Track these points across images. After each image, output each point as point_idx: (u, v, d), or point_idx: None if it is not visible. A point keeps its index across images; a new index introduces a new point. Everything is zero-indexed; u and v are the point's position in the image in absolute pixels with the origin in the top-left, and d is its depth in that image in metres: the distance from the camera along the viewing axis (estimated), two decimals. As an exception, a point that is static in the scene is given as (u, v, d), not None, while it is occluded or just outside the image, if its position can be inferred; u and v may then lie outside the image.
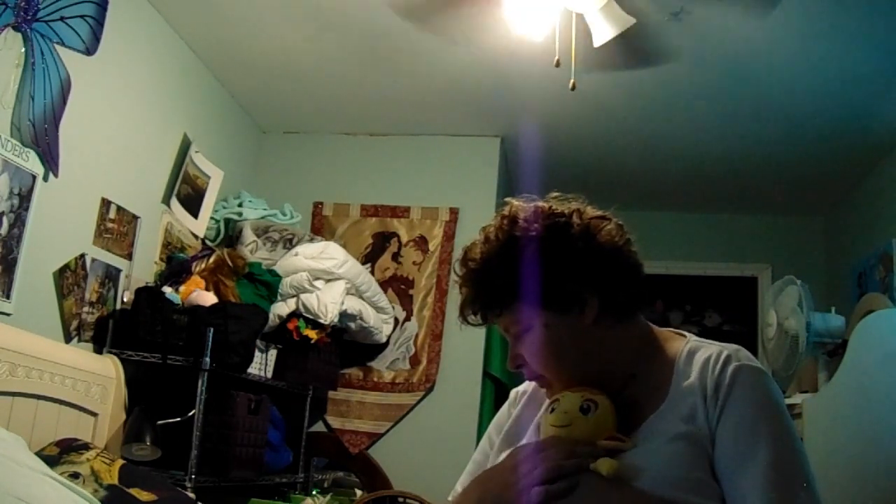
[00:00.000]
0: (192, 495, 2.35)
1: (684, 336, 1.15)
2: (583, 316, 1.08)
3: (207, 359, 2.56)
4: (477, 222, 4.12)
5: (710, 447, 1.00)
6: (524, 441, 1.15)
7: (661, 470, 0.97)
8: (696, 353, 1.09)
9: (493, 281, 1.10)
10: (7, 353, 2.01)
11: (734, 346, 1.09)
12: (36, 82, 2.26)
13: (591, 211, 1.14)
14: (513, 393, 1.30)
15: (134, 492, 1.98)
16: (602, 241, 1.10)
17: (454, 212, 3.83)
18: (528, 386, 1.26)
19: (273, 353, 3.13)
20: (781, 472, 0.96)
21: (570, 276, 1.08)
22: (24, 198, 2.27)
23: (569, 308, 1.08)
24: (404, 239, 3.84)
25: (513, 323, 1.11)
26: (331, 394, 3.65)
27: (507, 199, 1.16)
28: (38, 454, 1.99)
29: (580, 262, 1.08)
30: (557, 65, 2.53)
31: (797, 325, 3.00)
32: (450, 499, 1.26)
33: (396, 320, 3.70)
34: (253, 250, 3.30)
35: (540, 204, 1.13)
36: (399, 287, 3.79)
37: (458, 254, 3.67)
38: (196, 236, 3.29)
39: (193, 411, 2.54)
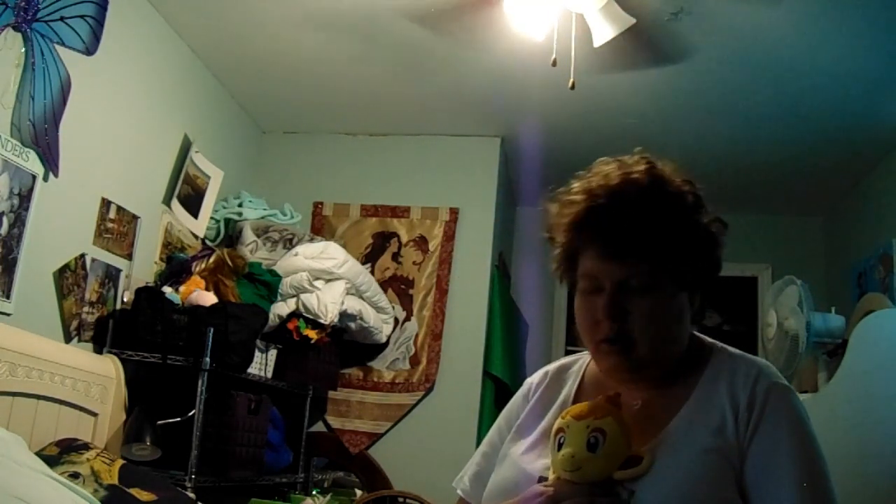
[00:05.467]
0: (192, 495, 2.35)
1: (713, 343, 1.15)
2: (692, 301, 1.09)
3: (207, 359, 2.56)
4: (477, 222, 4.11)
5: (739, 464, 0.99)
6: (532, 438, 1.14)
7: (688, 489, 0.96)
8: (726, 364, 1.09)
9: (649, 225, 1.04)
10: (7, 353, 2.01)
11: (763, 362, 1.09)
12: (36, 82, 2.26)
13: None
14: (527, 384, 1.27)
15: (134, 492, 1.98)
16: (719, 239, 1.12)
17: (454, 212, 3.82)
18: (542, 377, 1.25)
19: (273, 353, 3.13)
20: (811, 494, 0.97)
21: (709, 262, 1.10)
22: (24, 198, 2.27)
23: (694, 289, 1.09)
24: (404, 239, 3.84)
25: (643, 274, 1.04)
26: (331, 394, 3.65)
27: (641, 149, 1.12)
28: (38, 454, 1.99)
29: (710, 250, 1.10)
30: (554, 64, 2.53)
31: (797, 325, 3.00)
32: (454, 485, 1.26)
33: (396, 320, 3.70)
34: (253, 250, 3.30)
35: (683, 177, 1.11)
36: (399, 287, 3.79)
37: (460, 253, 3.71)
38: (196, 236, 3.29)
39: (193, 411, 2.54)
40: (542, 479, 1.06)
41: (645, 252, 1.04)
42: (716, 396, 1.04)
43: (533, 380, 1.27)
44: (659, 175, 1.08)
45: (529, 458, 1.11)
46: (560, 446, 1.03)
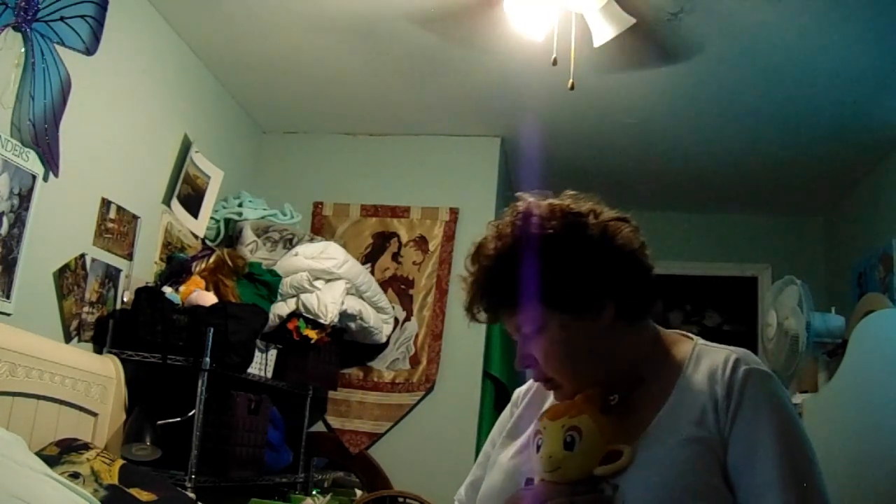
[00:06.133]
0: (192, 495, 2.35)
1: (691, 338, 1.15)
2: (599, 319, 1.07)
3: (207, 359, 2.56)
4: (477, 222, 4.11)
5: (722, 452, 0.99)
6: (520, 442, 1.15)
7: (673, 477, 0.97)
8: (705, 357, 1.09)
9: (508, 278, 1.07)
10: (7, 353, 2.01)
11: (742, 350, 1.08)
12: (36, 82, 2.26)
13: (608, 212, 1.12)
14: (515, 394, 1.29)
15: (134, 492, 1.98)
16: (620, 244, 1.08)
17: (454, 212, 3.82)
18: (530, 385, 1.26)
19: (273, 353, 3.13)
20: (794, 476, 0.97)
21: (589, 277, 1.06)
22: (24, 198, 2.27)
23: (585, 310, 1.06)
24: (404, 239, 3.84)
25: (526, 322, 1.08)
26: (331, 394, 3.65)
27: (519, 194, 1.14)
28: (38, 454, 1.99)
29: (599, 264, 1.06)
30: (555, 63, 2.53)
31: (797, 325, 3.00)
32: (455, 499, 1.27)
33: (396, 320, 3.69)
34: (253, 250, 3.30)
35: (555, 201, 1.11)
36: (399, 287, 3.79)
37: (459, 253, 3.70)
38: (196, 236, 3.29)
39: (193, 411, 2.54)
40: (529, 482, 1.06)
41: (514, 303, 1.07)
42: (696, 388, 1.05)
43: (522, 388, 1.29)
44: (521, 223, 1.09)
45: (517, 462, 1.12)
46: (539, 448, 1.04)
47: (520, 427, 1.19)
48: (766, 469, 0.96)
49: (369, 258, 3.83)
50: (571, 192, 1.14)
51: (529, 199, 1.12)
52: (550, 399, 1.19)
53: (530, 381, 1.26)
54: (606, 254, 1.07)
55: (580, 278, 1.06)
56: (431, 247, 3.81)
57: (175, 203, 3.09)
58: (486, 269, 1.10)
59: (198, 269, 2.90)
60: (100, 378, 2.44)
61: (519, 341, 1.12)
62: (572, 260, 1.06)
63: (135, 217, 2.86)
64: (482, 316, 1.13)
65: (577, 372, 1.09)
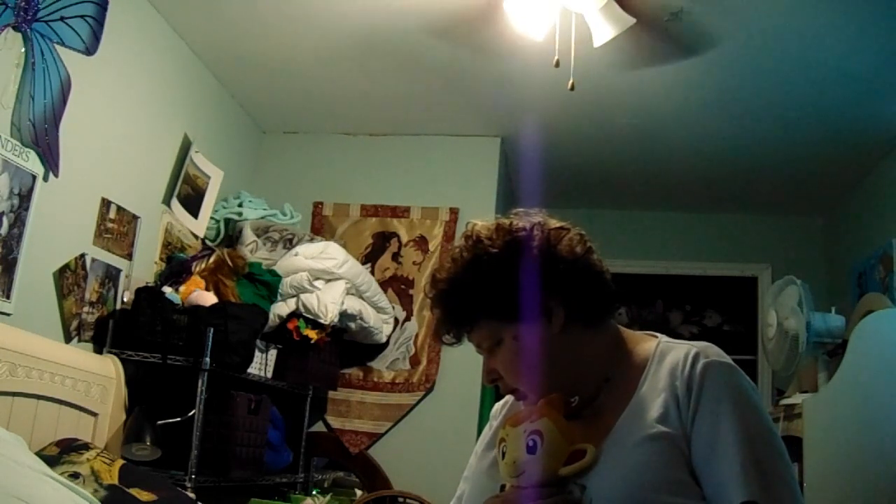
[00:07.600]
0: (192, 495, 2.35)
1: (656, 337, 1.17)
2: (550, 325, 1.10)
3: (207, 359, 2.56)
4: (477, 222, 4.01)
5: (687, 447, 1.00)
6: (495, 451, 1.16)
7: (639, 473, 0.98)
8: (667, 354, 1.10)
9: (460, 299, 1.13)
10: (7, 353, 2.01)
11: (704, 344, 1.10)
12: (36, 82, 2.26)
13: (551, 223, 1.16)
14: (494, 407, 1.33)
15: (134, 492, 1.98)
16: (562, 251, 1.12)
17: (454, 212, 3.83)
18: (508, 398, 1.28)
19: (273, 353, 3.13)
20: (757, 464, 0.97)
21: (533, 287, 1.10)
22: (24, 198, 2.27)
23: (535, 319, 1.10)
24: (404, 239, 3.84)
25: (484, 338, 1.14)
26: (331, 394, 3.65)
27: (470, 221, 1.20)
28: (38, 454, 1.99)
29: (542, 273, 1.10)
30: (557, 65, 2.53)
31: (797, 325, 3.00)
32: None
33: (396, 320, 3.70)
34: (253, 250, 3.30)
35: (501, 220, 1.17)
36: (399, 287, 3.79)
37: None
38: (196, 236, 3.29)
39: (193, 411, 2.54)
40: (503, 489, 1.09)
41: (468, 321, 1.13)
42: (659, 386, 1.06)
43: (500, 402, 1.32)
44: (470, 246, 1.14)
45: (493, 471, 1.14)
46: (504, 455, 1.06)
47: (496, 436, 1.21)
48: (728, 460, 0.97)
49: (369, 258, 3.83)
50: (519, 210, 1.19)
51: (478, 223, 1.17)
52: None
53: (509, 396, 1.28)
54: (548, 262, 1.11)
55: (524, 289, 1.10)
56: (431, 247, 3.81)
57: (175, 203, 3.09)
58: (441, 292, 1.16)
59: (198, 269, 2.90)
60: (100, 378, 2.44)
61: (483, 357, 1.16)
62: (515, 272, 1.10)
63: (135, 217, 2.86)
64: (447, 338, 1.18)
65: (539, 380, 1.11)
